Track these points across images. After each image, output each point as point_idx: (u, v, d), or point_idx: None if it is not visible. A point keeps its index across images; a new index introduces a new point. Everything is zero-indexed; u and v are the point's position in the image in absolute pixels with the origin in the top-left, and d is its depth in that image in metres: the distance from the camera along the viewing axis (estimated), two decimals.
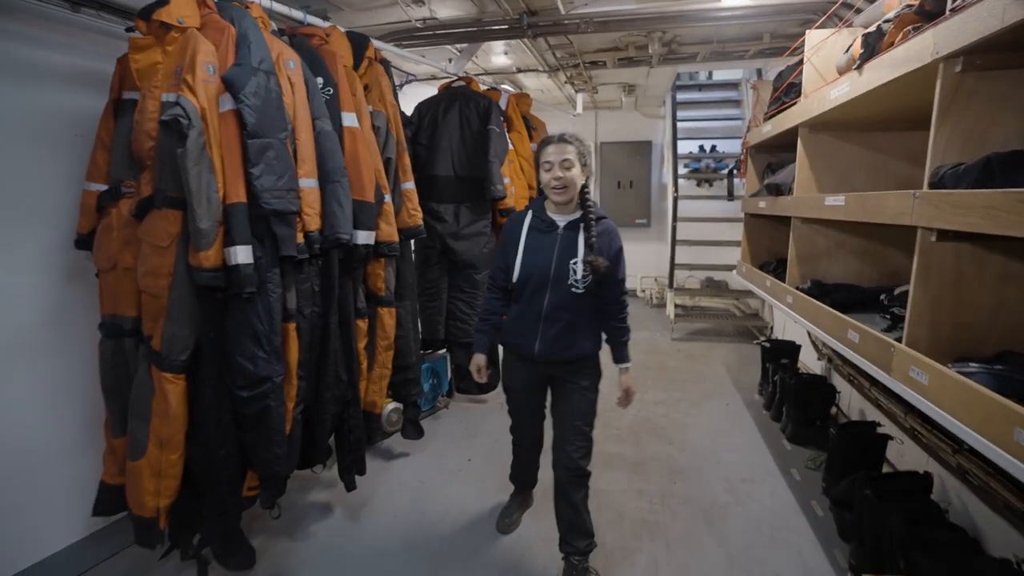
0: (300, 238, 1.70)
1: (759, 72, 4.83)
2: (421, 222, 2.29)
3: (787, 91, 2.46)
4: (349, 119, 1.92)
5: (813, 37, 2.09)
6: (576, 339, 1.79)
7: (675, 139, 5.13)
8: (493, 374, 3.42)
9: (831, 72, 2.07)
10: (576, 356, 1.82)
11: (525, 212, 1.89)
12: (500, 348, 2.49)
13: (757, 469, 2.69)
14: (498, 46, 3.45)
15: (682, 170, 5.66)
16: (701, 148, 5.87)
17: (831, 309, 1.76)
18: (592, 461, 1.89)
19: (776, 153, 2.93)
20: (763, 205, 2.62)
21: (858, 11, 2.20)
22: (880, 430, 2.38)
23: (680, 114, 5.52)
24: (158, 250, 1.51)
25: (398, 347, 2.36)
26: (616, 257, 1.78)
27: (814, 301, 1.89)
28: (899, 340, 1.34)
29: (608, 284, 1.79)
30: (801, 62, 2.51)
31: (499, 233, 3.07)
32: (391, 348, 2.30)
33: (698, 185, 5.82)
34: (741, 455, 2.82)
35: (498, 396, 3.51)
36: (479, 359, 2.00)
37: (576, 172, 1.75)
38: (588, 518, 1.89)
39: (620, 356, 1.88)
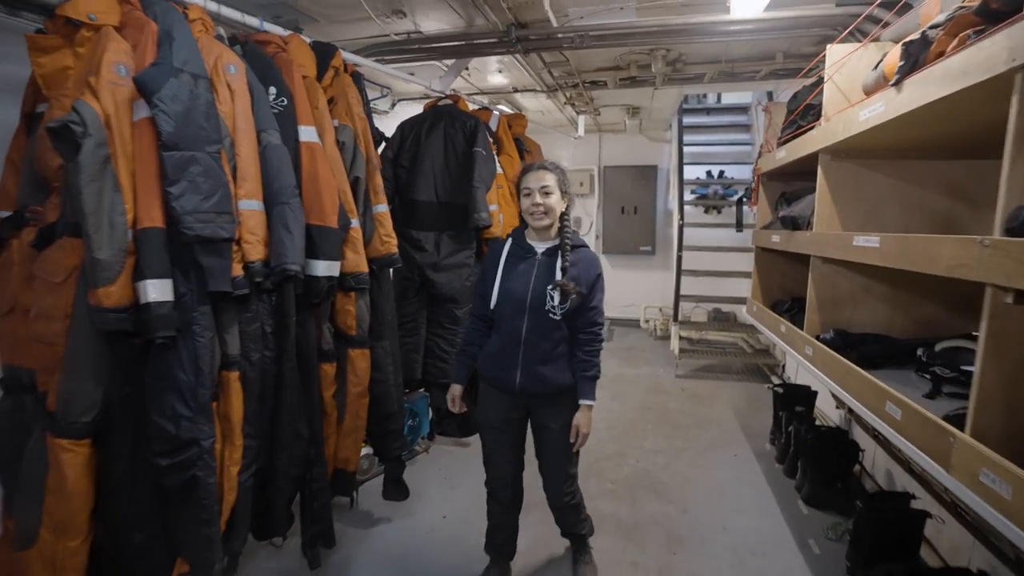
0: (238, 270, 1.45)
1: (770, 94, 4.63)
2: (396, 250, 2.04)
3: (804, 113, 2.22)
4: (307, 133, 1.69)
5: (834, 53, 1.85)
6: (557, 370, 1.76)
7: (681, 164, 4.91)
8: (474, 418, 3.13)
9: (856, 92, 1.84)
10: (556, 389, 1.77)
11: (506, 240, 1.87)
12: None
13: (769, 539, 2.36)
14: (492, 63, 3.25)
15: (689, 196, 5.43)
16: (709, 174, 5.64)
17: (862, 371, 1.47)
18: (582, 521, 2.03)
19: (791, 182, 2.68)
20: (776, 240, 2.35)
21: (885, 25, 1.96)
22: (915, 503, 2.06)
23: (687, 138, 5.31)
24: (52, 287, 1.27)
25: (375, 394, 2.08)
26: (593, 284, 1.76)
27: (839, 358, 1.60)
28: (958, 424, 1.05)
29: (580, 311, 1.75)
30: (820, 82, 2.29)
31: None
32: (365, 395, 2.03)
33: (706, 212, 5.58)
34: (751, 520, 2.49)
35: (479, 439, 3.22)
36: (455, 389, 1.95)
37: (555, 199, 1.75)
38: (584, 524, 2.07)
39: (582, 391, 1.77)
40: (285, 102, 1.64)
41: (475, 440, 3.21)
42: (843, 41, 2.07)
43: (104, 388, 1.32)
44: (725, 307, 5.46)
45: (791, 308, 2.49)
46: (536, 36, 2.36)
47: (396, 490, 2.36)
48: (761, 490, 2.76)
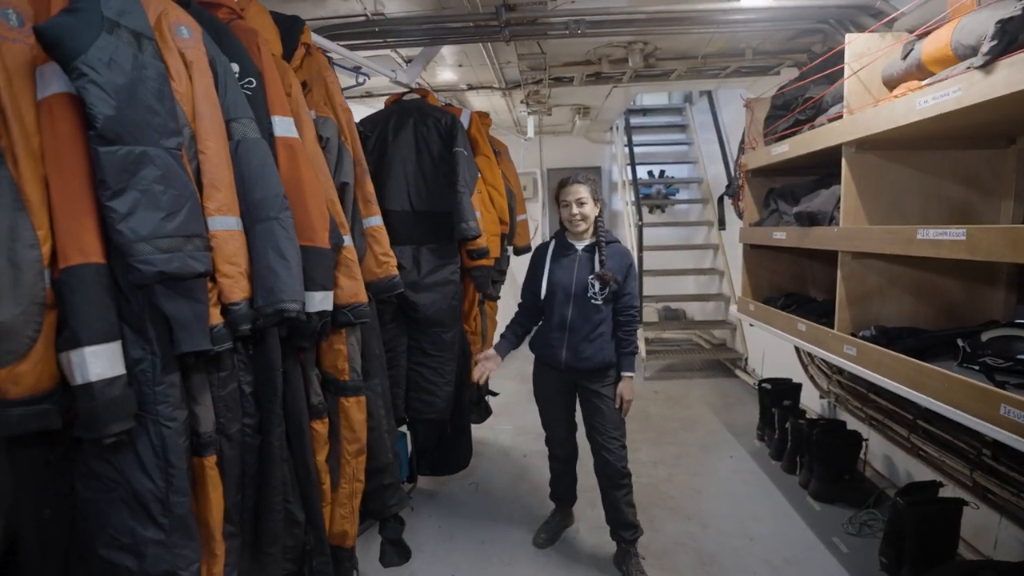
0: (215, 316, 1.03)
1: (704, 96, 4.73)
2: (396, 271, 1.67)
3: (804, 109, 2.16)
4: (284, 126, 1.28)
5: (858, 45, 1.78)
6: (597, 348, 2.01)
7: (634, 164, 4.88)
8: (463, 452, 2.78)
9: (874, 83, 1.78)
10: (598, 365, 2.03)
11: (549, 242, 2.16)
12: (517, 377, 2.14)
13: (796, 543, 2.27)
14: (449, 57, 2.93)
15: (631, 196, 5.43)
16: (650, 173, 5.70)
17: (946, 371, 1.37)
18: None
19: (775, 178, 2.65)
20: (781, 236, 2.28)
21: (889, 20, 1.94)
22: (942, 492, 2.06)
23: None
24: None
25: (368, 444, 1.68)
26: (626, 272, 2.04)
27: (910, 359, 1.50)
28: None
29: (617, 297, 2.03)
30: (803, 77, 2.26)
31: (468, 281, 2.51)
32: (363, 452, 1.63)
33: (650, 212, 5.62)
34: (771, 526, 2.40)
35: (466, 476, 2.88)
36: (491, 354, 2.13)
37: (589, 207, 2.03)
38: (631, 512, 2.13)
39: (624, 365, 2.06)
40: (253, 84, 1.22)
41: (460, 477, 2.86)
42: (847, 31, 2.03)
43: (4, 517, 0.84)
44: (674, 305, 5.53)
45: (787, 305, 2.44)
46: (525, 20, 2.08)
47: (396, 554, 1.96)
48: (768, 491, 2.70)
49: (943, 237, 1.37)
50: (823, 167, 2.20)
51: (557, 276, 2.06)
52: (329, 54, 1.68)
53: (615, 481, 2.08)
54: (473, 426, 3.17)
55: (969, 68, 1.26)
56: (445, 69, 3.25)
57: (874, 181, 1.82)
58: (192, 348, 0.92)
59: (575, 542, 2.33)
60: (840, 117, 1.85)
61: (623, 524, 2.11)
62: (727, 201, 3.16)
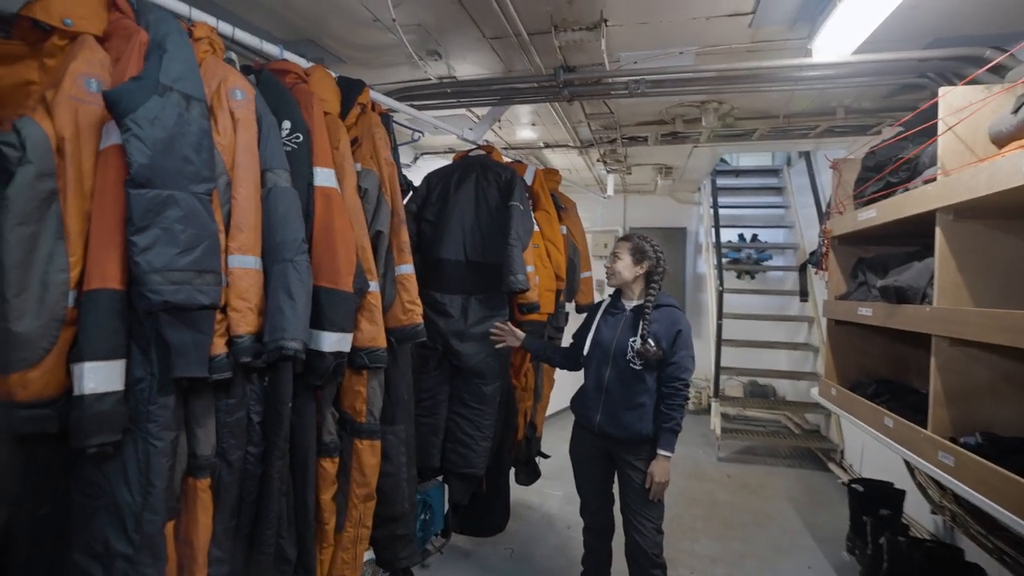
0: (220, 346, 1.10)
1: (802, 158, 4.42)
2: (420, 320, 1.69)
3: (895, 171, 1.92)
4: (324, 177, 1.39)
5: (953, 98, 1.57)
6: (636, 418, 1.88)
7: (717, 226, 4.64)
8: (499, 514, 2.66)
9: (978, 142, 1.54)
10: (634, 435, 1.89)
11: (606, 300, 2.13)
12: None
13: None
14: (524, 116, 3.05)
15: (714, 260, 5.12)
16: (741, 237, 5.36)
17: None
18: None
19: (867, 247, 2.35)
20: (867, 312, 1.99)
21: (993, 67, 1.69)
22: None
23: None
24: None
25: (383, 490, 1.66)
26: (674, 339, 1.88)
27: (1015, 477, 1.19)
28: None
29: (662, 366, 1.89)
30: (898, 135, 2.01)
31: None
32: (372, 498, 1.61)
33: (738, 277, 5.25)
34: None
35: (504, 540, 2.74)
36: (521, 333, 2.21)
37: (622, 264, 1.99)
38: None
39: (661, 441, 1.88)
40: (300, 139, 1.35)
41: (497, 540, 2.73)
42: (947, 83, 1.80)
43: (7, 510, 0.93)
44: (762, 380, 5.00)
45: (879, 394, 2.08)
46: (585, 81, 2.13)
47: None
48: None
49: None
50: (921, 237, 1.91)
51: (601, 334, 2.01)
52: (392, 111, 1.82)
53: (645, 570, 1.89)
54: (521, 488, 3.05)
55: None
56: (523, 128, 3.39)
57: (979, 255, 1.54)
58: (185, 374, 0.98)
59: None
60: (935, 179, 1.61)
61: (650, 572, 1.90)
62: (811, 270, 2.84)
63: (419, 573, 2.44)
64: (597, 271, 3.97)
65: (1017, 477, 1.20)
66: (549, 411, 3.13)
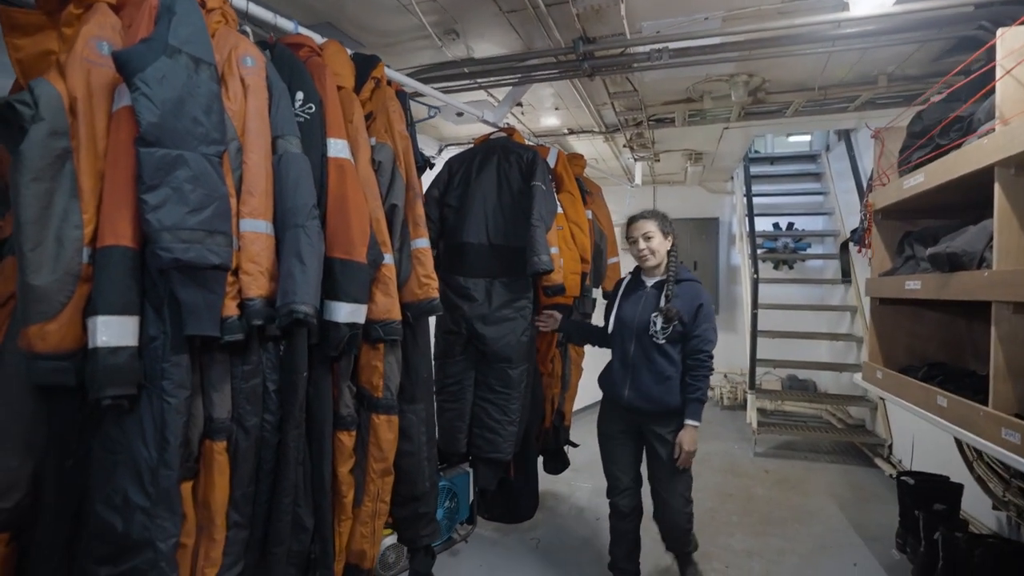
0: (232, 308, 1.10)
1: (842, 141, 4.20)
2: (436, 294, 1.67)
3: (945, 131, 1.78)
4: (338, 148, 1.39)
5: (1012, 40, 1.43)
6: (664, 391, 1.91)
7: (751, 215, 4.46)
8: (527, 501, 2.61)
9: None
10: (663, 408, 1.92)
11: (626, 277, 2.17)
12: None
13: None
14: (547, 99, 3.01)
15: (748, 249, 4.93)
16: (776, 226, 5.15)
17: None
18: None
19: (915, 220, 2.20)
20: (915, 286, 1.84)
21: None
22: None
23: (752, 189, 4.88)
24: None
25: (403, 469, 1.67)
26: (696, 313, 1.91)
27: None
28: None
29: (685, 339, 1.92)
30: (950, 99, 1.87)
31: (541, 316, 2.45)
32: (389, 472, 1.61)
33: (775, 267, 5.04)
34: None
35: (530, 530, 2.69)
36: (557, 317, 2.33)
37: (657, 241, 1.98)
38: (691, 542, 2.16)
39: (688, 411, 1.91)
40: (313, 109, 1.35)
41: (524, 528, 2.68)
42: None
43: (35, 461, 0.95)
44: (802, 374, 4.78)
45: (931, 376, 1.93)
46: (605, 52, 2.06)
47: None
48: None
49: None
50: (973, 208, 1.76)
51: (623, 311, 2.05)
52: (417, 95, 1.80)
53: (677, 530, 2.03)
54: (549, 478, 3.00)
55: None
56: (546, 114, 3.34)
57: None
58: (197, 332, 0.99)
59: None
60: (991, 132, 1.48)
61: (681, 539, 2.09)
62: (853, 249, 2.68)
63: (444, 560, 2.41)
64: (625, 260, 3.87)
65: None
66: (578, 404, 3.07)
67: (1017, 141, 1.32)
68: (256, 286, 1.12)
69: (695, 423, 1.89)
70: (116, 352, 0.92)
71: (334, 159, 1.37)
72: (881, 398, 3.63)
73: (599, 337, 2.22)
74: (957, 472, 2.50)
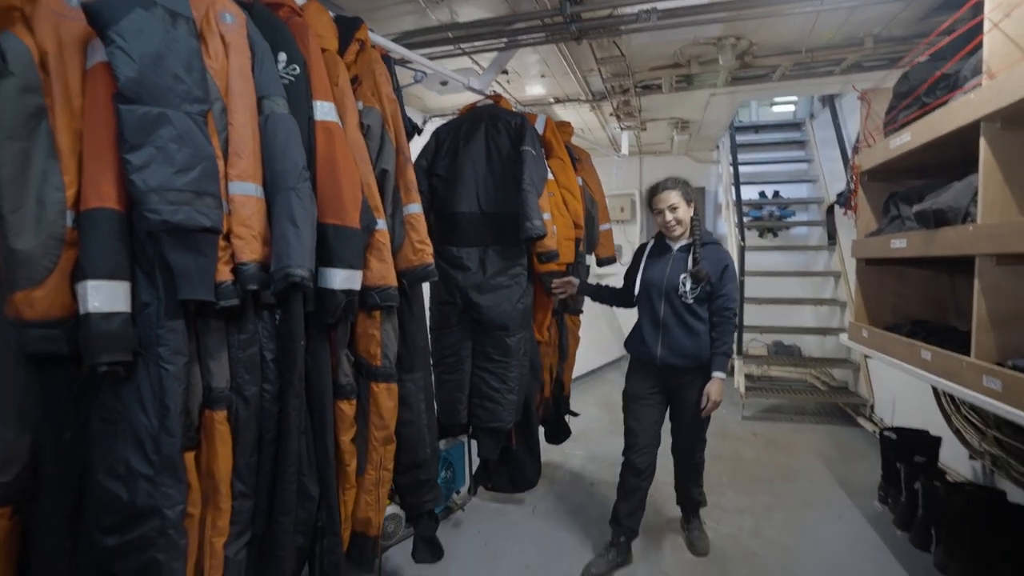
0: (225, 273, 1.08)
1: (826, 108, 4.21)
2: (431, 259, 1.65)
3: (931, 89, 1.79)
4: (325, 111, 1.35)
5: None
6: (695, 347, 2.03)
7: (737, 183, 4.48)
8: (531, 467, 2.63)
9: None
10: (694, 362, 2.04)
11: (649, 241, 2.24)
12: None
13: None
14: (533, 66, 2.95)
15: (735, 218, 4.96)
16: (762, 194, 5.19)
17: None
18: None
19: (900, 181, 2.22)
20: (901, 244, 1.88)
21: None
22: None
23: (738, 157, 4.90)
24: None
25: (404, 437, 1.67)
26: (722, 273, 2.03)
27: None
28: None
29: (712, 299, 2.05)
30: (935, 59, 1.87)
31: (537, 285, 2.43)
32: (391, 440, 1.62)
33: (760, 235, 5.09)
34: None
35: (527, 498, 2.73)
36: (575, 281, 2.38)
37: (683, 211, 2.07)
38: (700, 492, 2.34)
39: (715, 364, 2.03)
40: (297, 71, 1.30)
41: (523, 499, 2.72)
42: None
43: (32, 433, 0.94)
44: (787, 339, 4.88)
45: (915, 333, 1.98)
46: (593, 13, 2.02)
47: (428, 550, 1.88)
48: (887, 567, 2.18)
49: None
50: (958, 166, 1.78)
51: (650, 274, 2.12)
52: (391, 54, 1.75)
53: (691, 466, 2.24)
54: (543, 447, 3.04)
55: None
56: (532, 82, 3.28)
57: (1021, 165, 1.42)
58: (191, 296, 0.97)
59: None
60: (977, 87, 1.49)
61: (695, 509, 2.31)
62: (839, 212, 2.71)
63: (442, 528, 2.45)
64: (618, 228, 3.83)
65: None
66: (575, 372, 3.10)
67: (1004, 95, 1.34)
68: (249, 250, 1.09)
69: (722, 375, 2.02)
70: (109, 318, 0.89)
71: (321, 122, 1.33)
72: (866, 356, 3.73)
73: (621, 298, 2.30)
74: (936, 427, 2.60)
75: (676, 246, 2.11)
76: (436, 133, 2.49)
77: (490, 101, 2.48)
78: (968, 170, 1.62)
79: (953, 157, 1.76)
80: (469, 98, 2.67)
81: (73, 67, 0.93)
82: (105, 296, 0.89)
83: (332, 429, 1.45)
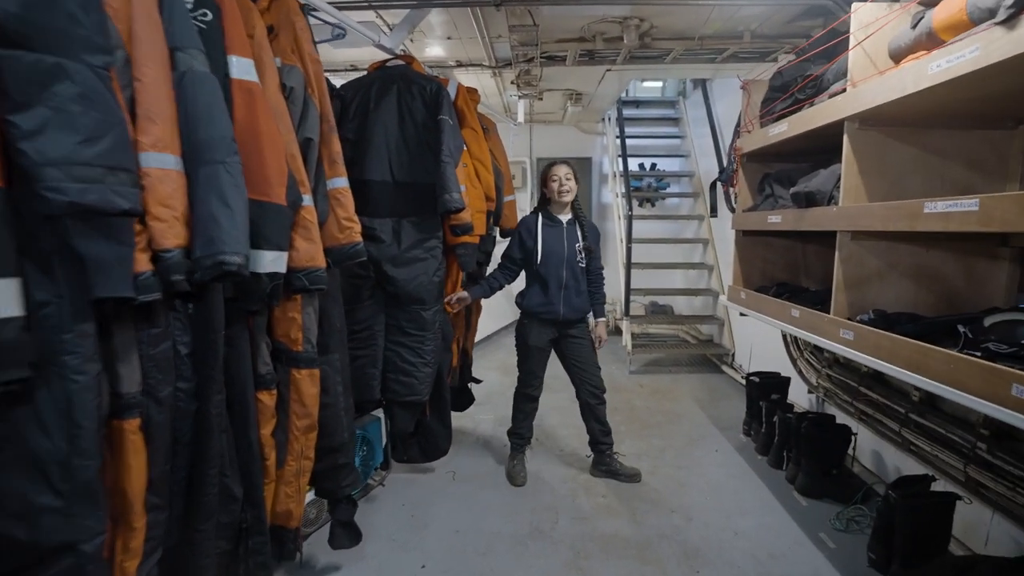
0: (144, 262, 0.91)
1: (698, 88, 4.64)
2: (359, 238, 1.54)
3: (803, 88, 2.08)
4: (242, 68, 1.16)
5: (863, 14, 1.69)
6: (583, 302, 2.55)
7: (625, 155, 4.78)
8: (444, 436, 2.67)
9: (879, 56, 1.70)
10: (581, 315, 2.56)
11: (535, 215, 2.58)
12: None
13: (781, 538, 2.20)
14: (439, 26, 2.81)
15: (621, 188, 5.34)
16: (641, 166, 5.62)
17: (954, 352, 1.30)
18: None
19: (772, 163, 2.57)
20: (777, 220, 2.20)
21: None
22: (933, 486, 1.99)
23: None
24: None
25: (322, 422, 1.58)
26: (598, 242, 2.61)
27: (913, 342, 1.42)
28: None
29: (592, 261, 2.56)
30: (799, 56, 2.17)
31: (452, 258, 2.40)
32: (314, 428, 1.53)
33: (639, 205, 5.54)
34: (757, 520, 2.32)
35: (444, 465, 2.77)
36: (464, 295, 2.53)
37: (573, 182, 2.55)
38: (607, 423, 2.69)
39: (598, 312, 2.64)
40: (209, 17, 1.10)
41: (438, 465, 2.76)
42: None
43: None
44: (662, 300, 5.46)
45: (779, 293, 2.37)
46: None
47: (346, 536, 1.84)
48: (754, 486, 2.62)
49: (953, 209, 1.29)
50: (821, 153, 2.12)
51: (550, 245, 2.49)
52: (308, 5, 1.54)
53: (599, 397, 2.63)
54: (453, 415, 3.07)
55: (990, 26, 1.18)
56: (434, 43, 3.12)
57: (876, 160, 1.75)
58: (109, 294, 0.80)
59: (552, 534, 2.24)
60: (843, 92, 1.77)
61: (604, 432, 2.66)
62: (720, 189, 3.07)
63: (363, 507, 2.40)
64: (521, 199, 3.86)
65: (905, 338, 1.45)
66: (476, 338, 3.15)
67: (862, 100, 1.61)
68: (172, 234, 0.93)
69: (604, 318, 2.64)
70: (4, 326, 0.71)
71: (239, 81, 1.15)
72: (727, 316, 4.34)
73: (505, 277, 2.63)
74: (785, 370, 3.15)
75: (564, 219, 2.53)
76: (341, 92, 2.28)
77: (401, 62, 2.33)
78: (830, 157, 1.93)
79: (817, 145, 2.09)
80: (362, 55, 2.46)
81: None
82: None
83: (255, 423, 1.33)
